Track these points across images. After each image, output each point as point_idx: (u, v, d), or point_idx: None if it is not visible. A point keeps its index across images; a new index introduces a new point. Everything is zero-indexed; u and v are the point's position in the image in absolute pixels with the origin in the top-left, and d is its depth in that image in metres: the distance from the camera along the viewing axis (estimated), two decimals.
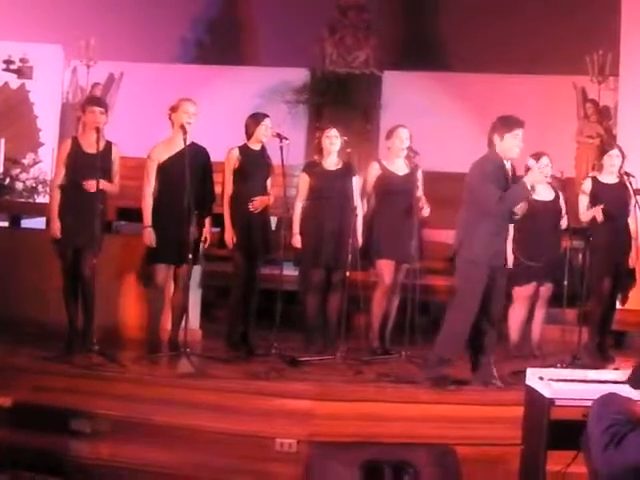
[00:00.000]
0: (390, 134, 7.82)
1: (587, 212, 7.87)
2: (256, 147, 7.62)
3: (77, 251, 7.20)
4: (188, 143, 7.09)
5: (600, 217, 7.74)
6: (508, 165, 6.62)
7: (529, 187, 6.46)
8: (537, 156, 7.71)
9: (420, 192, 7.63)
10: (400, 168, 7.76)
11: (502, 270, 6.69)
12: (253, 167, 7.56)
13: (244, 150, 7.59)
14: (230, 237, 7.51)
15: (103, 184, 7.03)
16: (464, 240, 6.66)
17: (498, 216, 6.57)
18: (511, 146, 6.54)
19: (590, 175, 8.35)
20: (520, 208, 6.58)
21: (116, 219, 8.66)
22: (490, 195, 6.48)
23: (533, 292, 7.91)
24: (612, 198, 7.84)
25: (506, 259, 6.77)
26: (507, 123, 6.59)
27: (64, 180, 7.19)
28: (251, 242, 7.52)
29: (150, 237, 7.18)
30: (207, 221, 7.35)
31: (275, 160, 7.55)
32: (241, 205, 7.49)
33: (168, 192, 7.19)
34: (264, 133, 7.55)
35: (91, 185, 6.94)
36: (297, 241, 7.73)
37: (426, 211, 7.56)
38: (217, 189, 7.59)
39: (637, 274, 8.15)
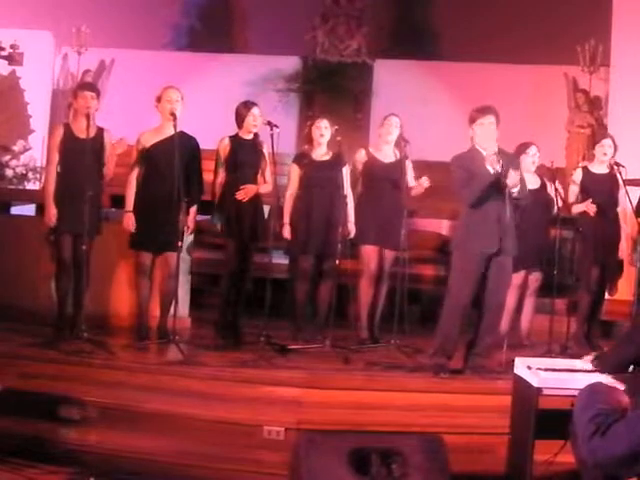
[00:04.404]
0: (382, 122, 7.84)
1: (577, 205, 7.88)
2: (247, 136, 7.55)
3: (71, 238, 7.16)
4: (177, 131, 7.07)
5: (593, 210, 7.73)
6: (485, 153, 6.58)
7: (492, 171, 6.49)
8: (525, 146, 7.75)
9: (411, 181, 7.64)
10: (387, 156, 7.76)
11: (499, 257, 6.60)
12: (244, 156, 7.49)
13: (235, 139, 7.54)
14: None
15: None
16: (455, 228, 6.76)
17: (476, 203, 6.55)
18: (479, 135, 6.64)
19: (581, 165, 8.36)
20: (513, 182, 6.49)
21: (108, 206, 8.61)
22: (456, 180, 6.58)
23: (522, 281, 7.90)
24: (602, 188, 7.86)
25: (502, 245, 6.57)
26: (472, 113, 6.70)
27: (58, 167, 7.17)
28: (242, 230, 7.47)
29: (130, 222, 7.18)
30: (192, 210, 7.31)
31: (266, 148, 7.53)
32: (231, 194, 7.45)
33: (153, 178, 7.19)
34: (253, 123, 7.49)
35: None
36: (287, 231, 7.72)
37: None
38: (209, 177, 7.58)
39: (625, 264, 8.16)
